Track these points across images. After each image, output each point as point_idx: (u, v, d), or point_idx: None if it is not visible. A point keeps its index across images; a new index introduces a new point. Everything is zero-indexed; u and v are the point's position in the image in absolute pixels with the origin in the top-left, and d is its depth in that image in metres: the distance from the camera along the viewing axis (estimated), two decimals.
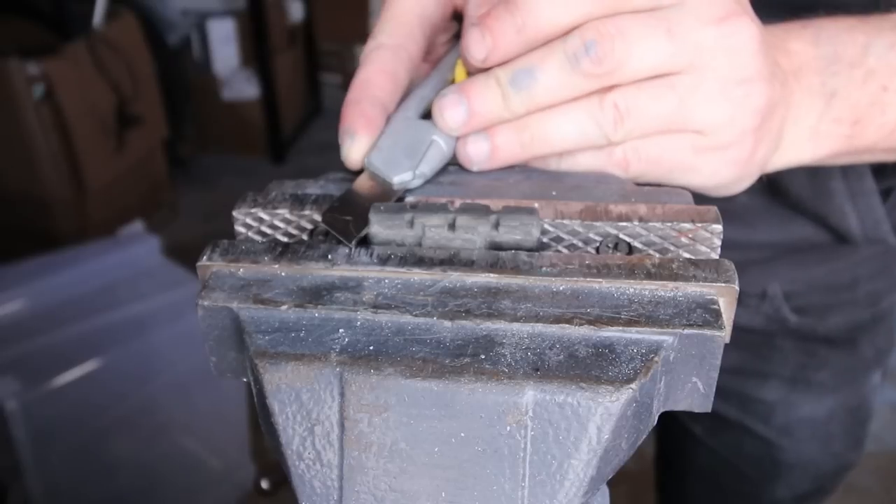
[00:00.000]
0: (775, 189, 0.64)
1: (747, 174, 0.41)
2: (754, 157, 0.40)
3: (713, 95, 0.37)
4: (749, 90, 0.37)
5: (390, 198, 0.37)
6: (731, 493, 0.86)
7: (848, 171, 0.61)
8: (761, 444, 0.80)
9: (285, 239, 0.36)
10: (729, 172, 0.40)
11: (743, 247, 0.69)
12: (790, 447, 0.79)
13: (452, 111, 0.37)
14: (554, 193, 0.37)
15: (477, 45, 0.36)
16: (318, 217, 0.36)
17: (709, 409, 0.30)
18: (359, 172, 0.39)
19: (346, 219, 0.34)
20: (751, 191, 0.65)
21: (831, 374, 0.76)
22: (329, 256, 0.32)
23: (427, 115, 0.40)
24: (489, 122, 0.37)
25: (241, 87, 3.18)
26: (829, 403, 0.77)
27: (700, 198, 0.36)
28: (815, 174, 0.62)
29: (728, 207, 0.66)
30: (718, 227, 0.33)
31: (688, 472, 0.90)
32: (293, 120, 3.41)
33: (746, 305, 0.72)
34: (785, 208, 0.66)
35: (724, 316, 0.29)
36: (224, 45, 3.16)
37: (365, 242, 0.34)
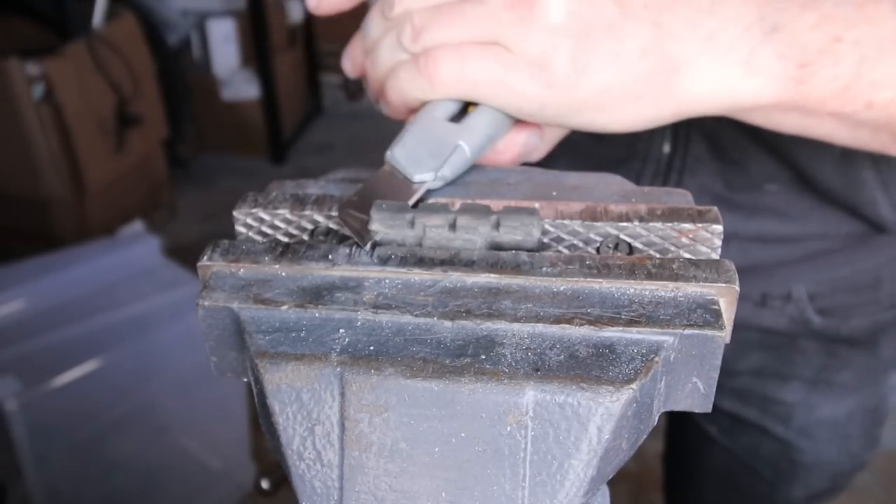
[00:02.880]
0: (805, 180, 0.63)
1: (579, 98, 0.38)
2: (576, 81, 0.37)
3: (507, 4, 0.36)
4: (546, 4, 0.36)
5: (408, 196, 0.37)
6: (745, 493, 0.85)
7: (879, 160, 0.60)
8: (779, 446, 0.79)
9: (286, 239, 0.36)
10: (543, 95, 0.37)
11: (778, 241, 0.67)
12: (809, 448, 0.78)
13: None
14: (554, 194, 0.37)
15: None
16: (318, 217, 0.36)
17: (709, 410, 0.30)
18: (374, 169, 0.39)
19: (364, 218, 0.34)
20: (781, 181, 0.65)
21: (852, 375, 0.76)
22: (329, 256, 0.32)
23: (454, 118, 0.40)
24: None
25: (241, 87, 3.17)
26: (848, 404, 0.77)
27: (701, 198, 0.36)
28: (844, 164, 0.60)
29: (761, 200, 0.66)
30: (719, 228, 0.33)
31: (700, 471, 0.90)
32: (293, 120, 3.41)
33: (771, 307, 0.70)
34: (816, 200, 0.64)
35: (724, 316, 0.29)
36: (224, 45, 3.15)
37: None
